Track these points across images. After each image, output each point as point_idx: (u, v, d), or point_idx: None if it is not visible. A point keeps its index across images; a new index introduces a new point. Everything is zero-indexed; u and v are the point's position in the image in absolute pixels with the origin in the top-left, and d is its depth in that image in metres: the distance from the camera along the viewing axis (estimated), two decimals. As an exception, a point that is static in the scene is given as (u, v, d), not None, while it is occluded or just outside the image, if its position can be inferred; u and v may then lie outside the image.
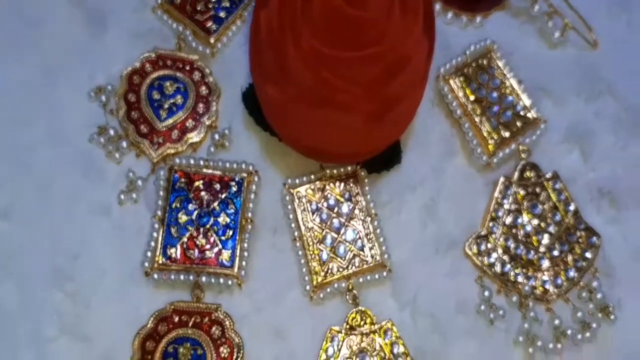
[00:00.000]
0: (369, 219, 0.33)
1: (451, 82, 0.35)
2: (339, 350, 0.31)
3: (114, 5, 0.39)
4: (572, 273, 0.33)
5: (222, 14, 0.38)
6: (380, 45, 0.27)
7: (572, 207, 0.34)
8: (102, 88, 0.36)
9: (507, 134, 0.34)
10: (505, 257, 0.33)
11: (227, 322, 0.30)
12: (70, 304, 0.32)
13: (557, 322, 0.32)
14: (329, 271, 0.32)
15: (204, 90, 0.36)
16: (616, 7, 0.40)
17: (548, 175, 0.34)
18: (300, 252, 0.33)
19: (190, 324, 0.31)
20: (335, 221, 0.33)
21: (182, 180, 0.33)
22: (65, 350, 0.31)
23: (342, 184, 0.33)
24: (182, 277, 0.32)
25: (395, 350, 0.31)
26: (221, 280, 0.32)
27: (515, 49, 0.38)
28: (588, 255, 0.33)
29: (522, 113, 0.35)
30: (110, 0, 0.39)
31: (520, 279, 0.32)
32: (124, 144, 0.35)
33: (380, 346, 0.31)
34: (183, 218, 0.32)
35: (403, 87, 0.29)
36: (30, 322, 0.32)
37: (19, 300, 0.32)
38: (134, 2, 0.39)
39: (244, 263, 0.32)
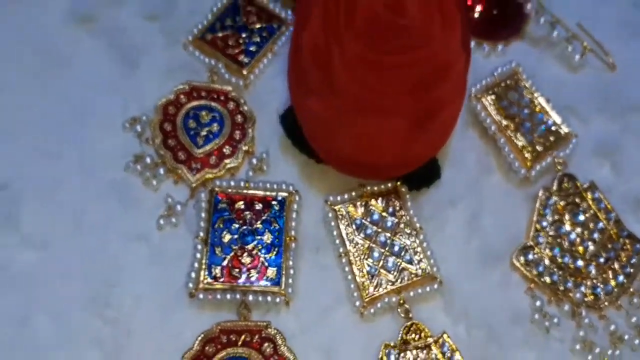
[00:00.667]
0: (414, 232, 0.33)
1: (483, 100, 0.37)
2: (395, 364, 0.30)
3: (144, 43, 0.40)
4: (621, 278, 0.33)
5: (253, 48, 0.40)
6: (423, 49, 0.28)
7: (612, 215, 0.34)
8: (136, 118, 0.38)
9: (541, 148, 0.36)
10: (553, 267, 0.33)
11: (278, 339, 0.30)
12: (110, 332, 0.32)
13: (612, 327, 0.32)
14: (379, 285, 0.32)
15: (239, 118, 0.38)
16: (629, 29, 0.42)
17: (585, 186, 0.35)
18: (347, 268, 0.33)
19: (240, 342, 0.30)
20: (381, 236, 0.33)
21: (224, 201, 0.34)
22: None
23: (384, 200, 0.34)
24: (228, 296, 0.32)
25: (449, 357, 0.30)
26: (268, 298, 0.32)
27: (538, 72, 0.41)
28: (634, 261, 0.33)
29: (553, 128, 0.37)
30: (140, 39, 0.40)
31: (570, 286, 0.33)
32: (161, 171, 0.36)
33: (438, 358, 0.30)
34: (227, 237, 0.33)
35: (446, 94, 0.30)
36: (70, 354, 0.30)
37: (56, 331, 0.32)
38: (164, 39, 0.40)
39: (290, 280, 0.32)
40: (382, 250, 0.34)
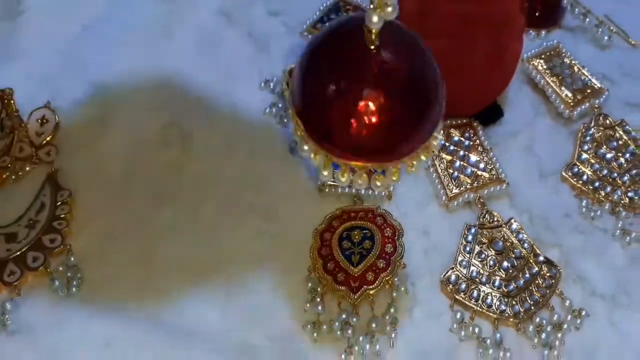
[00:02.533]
0: (485, 150, 0.44)
1: (533, 62, 0.47)
2: (475, 239, 0.40)
3: (271, 32, 0.53)
4: None
5: None
6: (495, 4, 0.40)
7: None
8: (268, 80, 0.50)
9: (580, 96, 0.46)
10: (594, 178, 0.43)
11: (387, 215, 0.40)
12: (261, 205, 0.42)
13: None
14: (459, 186, 0.42)
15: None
16: None
17: (617, 122, 0.45)
18: (434, 175, 0.43)
19: (357, 218, 0.40)
20: (460, 152, 0.43)
21: None
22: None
23: (461, 130, 0.45)
24: (346, 190, 0.42)
25: (519, 237, 0.40)
26: (376, 192, 0.42)
27: (574, 50, 0.51)
28: None
29: (589, 83, 0.47)
30: (267, 29, 0.53)
31: (609, 191, 0.42)
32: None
33: (507, 235, 0.40)
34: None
35: (510, 38, 0.41)
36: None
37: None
38: (284, 29, 0.53)
39: (392, 182, 0.42)
40: (461, 163, 0.44)
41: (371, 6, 0.27)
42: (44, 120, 0.44)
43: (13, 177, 0.42)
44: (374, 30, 0.28)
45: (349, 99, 0.30)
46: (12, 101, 0.43)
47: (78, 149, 0.44)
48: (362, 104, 0.29)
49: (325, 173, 0.31)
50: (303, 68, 0.31)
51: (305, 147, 0.32)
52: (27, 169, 0.43)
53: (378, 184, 0.31)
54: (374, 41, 0.29)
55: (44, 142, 0.44)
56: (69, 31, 0.50)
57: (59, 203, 0.41)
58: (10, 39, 0.50)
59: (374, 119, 0.30)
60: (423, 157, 0.32)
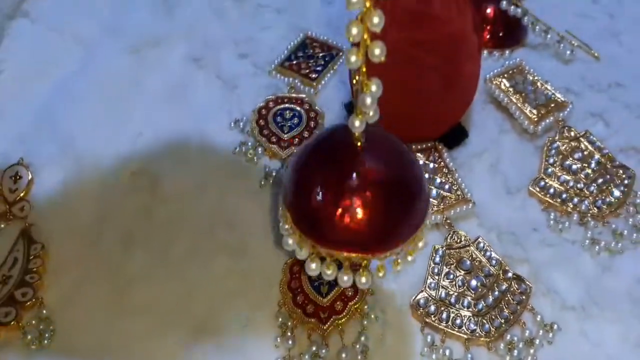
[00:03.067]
0: (450, 172, 0.44)
1: (496, 82, 0.48)
2: (443, 260, 0.40)
3: (240, 72, 0.54)
4: (617, 193, 0.42)
5: (319, 68, 0.54)
6: (445, 28, 0.41)
7: (605, 152, 0.45)
8: (238, 120, 0.51)
9: (544, 111, 0.47)
10: (561, 190, 0.43)
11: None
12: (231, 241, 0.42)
13: (614, 226, 0.41)
14: (426, 208, 0.42)
15: (312, 114, 0.51)
16: (606, 32, 0.54)
17: (581, 133, 0.45)
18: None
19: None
20: (425, 175, 0.44)
21: None
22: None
23: (426, 153, 0.45)
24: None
25: (487, 255, 0.40)
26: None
27: (538, 66, 0.52)
28: (627, 182, 0.43)
29: (552, 97, 0.48)
30: (236, 70, 0.54)
31: (576, 202, 0.42)
32: (259, 150, 0.48)
33: (475, 254, 0.40)
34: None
35: (463, 57, 0.42)
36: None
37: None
38: (253, 69, 0.54)
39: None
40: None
41: (354, 113, 0.29)
42: (17, 177, 0.46)
43: (-13, 235, 0.43)
44: (356, 134, 0.29)
45: (335, 196, 0.31)
46: (-15, 160, 0.44)
47: (50, 202, 0.45)
48: (347, 200, 0.31)
49: (314, 266, 0.32)
50: (294, 165, 0.33)
51: (290, 241, 0.33)
52: (1, 226, 0.43)
53: (363, 280, 0.32)
54: (359, 139, 0.30)
55: (18, 198, 0.45)
56: (41, 90, 0.52)
57: (32, 257, 0.42)
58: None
59: (358, 216, 0.31)
60: (410, 258, 0.33)
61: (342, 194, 0.31)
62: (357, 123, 0.28)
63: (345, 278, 0.32)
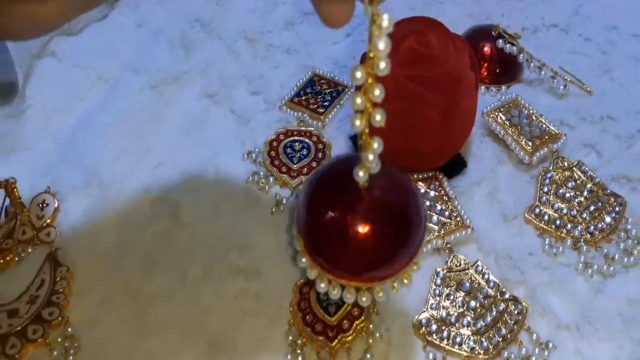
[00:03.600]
0: (450, 200, 0.47)
1: (492, 115, 0.52)
2: (443, 282, 0.43)
3: (252, 108, 0.58)
4: (608, 220, 0.45)
5: (326, 103, 0.58)
6: (443, 67, 0.45)
7: (597, 180, 0.48)
8: (251, 151, 0.54)
9: (538, 142, 0.50)
10: (556, 217, 0.46)
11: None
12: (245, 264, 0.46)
13: (605, 251, 0.44)
14: (428, 233, 0.45)
15: (320, 146, 0.54)
16: (599, 69, 0.57)
17: (574, 163, 0.49)
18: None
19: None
20: (427, 202, 0.47)
21: None
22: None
23: (427, 182, 0.49)
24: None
25: (486, 277, 0.43)
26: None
27: (533, 101, 0.55)
28: (618, 209, 0.46)
29: (546, 130, 0.51)
30: (249, 106, 0.58)
31: (569, 228, 0.45)
32: (271, 180, 0.52)
33: (474, 277, 0.43)
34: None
35: (461, 93, 0.45)
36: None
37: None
38: (265, 105, 0.58)
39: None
40: (428, 211, 0.48)
41: (357, 166, 0.32)
42: (44, 204, 0.49)
43: (16, 258, 0.46)
44: (361, 183, 0.33)
45: (341, 226, 0.35)
46: (15, 189, 0.48)
47: (75, 228, 0.49)
48: (351, 231, 0.34)
49: (322, 285, 0.36)
50: (306, 194, 0.37)
51: (304, 260, 0.36)
52: (30, 250, 0.47)
53: (364, 299, 0.36)
54: (364, 185, 0.34)
55: (45, 224, 0.48)
56: (67, 123, 0.56)
57: (58, 279, 0.45)
58: (16, 134, 0.56)
59: (360, 246, 0.34)
60: (405, 281, 0.36)
61: (344, 226, 0.34)
62: (361, 174, 0.32)
63: (349, 296, 0.35)
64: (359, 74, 0.28)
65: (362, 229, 0.34)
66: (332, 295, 0.35)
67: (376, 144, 0.31)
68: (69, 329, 0.42)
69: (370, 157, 0.31)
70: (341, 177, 0.36)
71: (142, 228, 0.49)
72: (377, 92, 0.29)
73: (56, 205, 0.50)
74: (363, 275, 0.35)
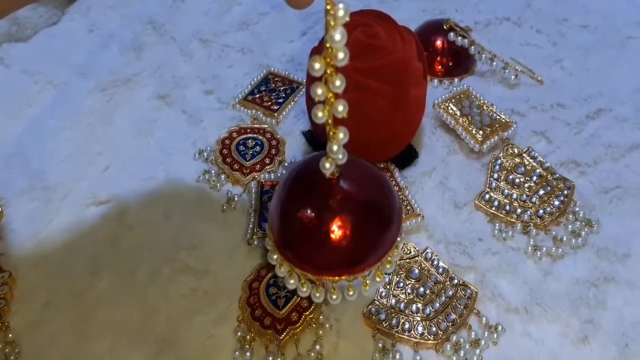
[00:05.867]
0: (401, 190, 0.48)
1: (443, 106, 0.53)
2: (394, 270, 0.43)
3: (205, 107, 0.58)
4: (557, 203, 0.46)
5: (280, 100, 0.58)
6: (390, 56, 0.45)
7: (547, 165, 0.48)
8: (202, 150, 0.54)
9: (489, 130, 0.51)
10: (506, 202, 0.47)
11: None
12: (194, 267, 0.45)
13: (554, 233, 0.45)
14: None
15: (274, 142, 0.54)
16: (550, 59, 0.59)
17: (524, 149, 0.50)
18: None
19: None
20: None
21: (267, 186, 0.49)
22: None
23: (379, 173, 0.49)
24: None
25: (435, 263, 0.43)
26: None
27: (486, 92, 0.56)
28: (567, 192, 0.47)
29: (496, 118, 0.52)
30: (202, 105, 0.58)
31: (519, 212, 0.46)
32: (222, 177, 0.52)
33: (424, 264, 0.43)
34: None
35: (409, 81, 0.46)
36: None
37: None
38: (218, 104, 0.59)
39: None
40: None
41: (324, 157, 0.32)
42: (-12, 209, 0.49)
43: (-41, 265, 0.46)
44: (328, 174, 0.33)
45: (310, 219, 0.34)
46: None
47: (20, 233, 0.48)
48: (321, 224, 0.34)
49: (292, 282, 0.36)
50: (277, 191, 0.37)
51: (275, 257, 0.36)
52: (-29, 256, 0.46)
53: (334, 297, 0.35)
54: (332, 175, 0.34)
55: (-12, 229, 0.48)
56: (14, 129, 0.56)
57: None
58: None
59: (331, 238, 0.34)
60: (378, 279, 0.36)
61: (314, 219, 0.34)
62: (327, 165, 0.32)
63: (318, 294, 0.35)
64: (317, 65, 0.28)
65: (333, 222, 0.34)
66: (302, 293, 0.35)
67: (342, 134, 0.31)
68: (10, 335, 0.42)
69: (335, 147, 0.31)
70: (311, 172, 0.36)
71: (88, 231, 0.48)
72: (338, 83, 0.29)
73: (0, 210, 0.49)
74: (334, 270, 0.35)
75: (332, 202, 0.34)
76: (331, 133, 0.31)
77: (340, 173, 0.34)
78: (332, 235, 0.33)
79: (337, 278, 0.34)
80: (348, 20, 0.27)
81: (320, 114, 0.30)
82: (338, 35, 0.27)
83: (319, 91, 0.29)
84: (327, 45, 0.28)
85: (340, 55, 0.28)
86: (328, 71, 0.29)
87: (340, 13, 0.27)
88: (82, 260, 0.47)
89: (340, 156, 0.32)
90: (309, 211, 0.34)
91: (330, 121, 0.31)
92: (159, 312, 0.43)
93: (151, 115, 0.58)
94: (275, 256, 0.36)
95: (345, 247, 0.34)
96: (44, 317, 0.43)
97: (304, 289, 0.35)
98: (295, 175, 0.37)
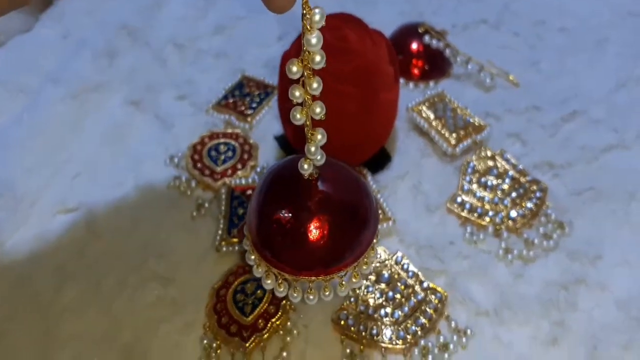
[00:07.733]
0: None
1: (416, 109, 0.53)
2: (364, 275, 0.43)
3: (178, 113, 0.59)
4: (530, 205, 0.46)
5: (254, 105, 0.58)
6: (360, 59, 0.46)
7: (519, 168, 0.49)
8: (173, 156, 0.55)
9: (463, 133, 0.51)
10: (477, 205, 0.47)
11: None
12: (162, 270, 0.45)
13: (526, 236, 0.45)
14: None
15: (247, 147, 0.55)
16: (526, 61, 0.59)
17: (497, 152, 0.50)
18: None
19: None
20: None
21: (237, 192, 0.49)
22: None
23: (350, 178, 0.49)
24: (242, 246, 0.46)
25: (405, 267, 0.43)
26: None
27: (461, 95, 0.57)
28: (539, 195, 0.47)
29: (470, 121, 0.52)
30: (174, 110, 0.59)
31: (492, 215, 0.46)
32: (193, 183, 0.52)
33: (394, 268, 0.43)
34: (241, 211, 0.48)
35: (379, 84, 0.47)
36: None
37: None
38: (192, 109, 0.59)
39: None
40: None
41: (302, 159, 0.33)
42: (-48, 219, 0.48)
43: None
44: (306, 175, 0.34)
45: (287, 219, 0.34)
46: None
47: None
48: (299, 223, 0.34)
49: (269, 282, 0.36)
50: (255, 191, 0.37)
51: (252, 257, 0.36)
52: None
53: (311, 297, 0.36)
54: (310, 175, 0.34)
55: (-48, 238, 0.47)
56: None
57: (-38, 294, 0.44)
58: None
59: (309, 237, 0.34)
60: (354, 279, 0.36)
61: (291, 218, 0.34)
62: (305, 166, 0.33)
63: (295, 294, 0.35)
64: (295, 68, 0.29)
65: (311, 222, 0.34)
66: (279, 293, 0.35)
67: (319, 136, 0.32)
68: (-29, 346, 0.41)
69: (312, 148, 0.32)
70: (290, 173, 0.36)
71: (55, 240, 0.48)
72: (315, 85, 0.30)
73: (-36, 220, 0.49)
74: (311, 269, 0.35)
75: (310, 203, 0.34)
76: (309, 134, 0.32)
77: (319, 174, 0.34)
78: (310, 236, 0.34)
79: (314, 278, 0.34)
80: (324, 24, 0.28)
81: (298, 116, 0.31)
82: (314, 39, 0.28)
83: (297, 93, 0.30)
84: (304, 48, 0.29)
85: (317, 58, 0.29)
86: (305, 74, 0.30)
87: (317, 17, 0.28)
88: (48, 270, 0.47)
89: (319, 157, 0.33)
90: (287, 212, 0.34)
91: (308, 122, 0.31)
92: (125, 321, 0.43)
93: (123, 122, 0.58)
94: (252, 256, 0.36)
95: (322, 247, 0.34)
96: (7, 328, 0.43)
97: (281, 289, 0.35)
98: (273, 176, 0.37)
